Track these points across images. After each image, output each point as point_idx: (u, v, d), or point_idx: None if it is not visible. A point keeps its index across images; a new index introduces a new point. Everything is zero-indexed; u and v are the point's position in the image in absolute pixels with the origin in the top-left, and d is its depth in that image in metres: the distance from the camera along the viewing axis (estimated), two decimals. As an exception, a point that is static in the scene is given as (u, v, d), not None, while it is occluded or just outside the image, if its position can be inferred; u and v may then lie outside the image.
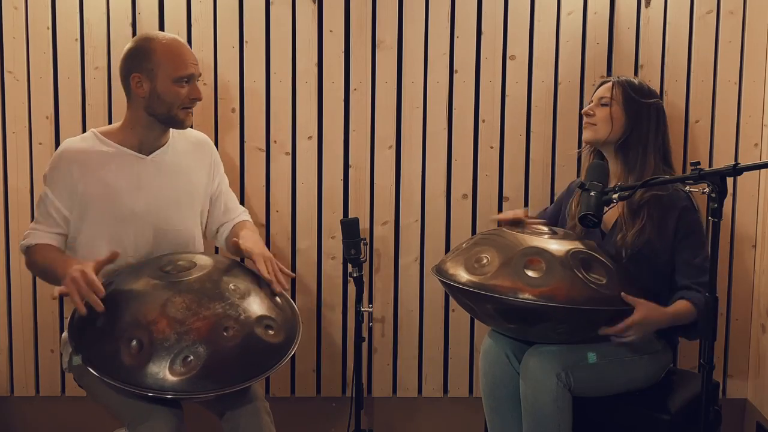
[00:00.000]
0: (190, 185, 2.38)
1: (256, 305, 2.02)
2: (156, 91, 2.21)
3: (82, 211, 2.23)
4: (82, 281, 1.92)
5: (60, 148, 2.26)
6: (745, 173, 1.88)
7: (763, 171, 2.81)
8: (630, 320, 2.12)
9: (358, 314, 2.61)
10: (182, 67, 2.22)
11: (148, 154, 2.30)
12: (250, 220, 2.57)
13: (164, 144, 2.33)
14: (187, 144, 2.42)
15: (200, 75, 2.32)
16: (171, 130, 2.36)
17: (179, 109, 2.25)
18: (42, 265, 2.17)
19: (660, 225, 2.27)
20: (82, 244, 2.26)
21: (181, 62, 2.22)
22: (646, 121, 2.35)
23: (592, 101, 2.43)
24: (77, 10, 2.72)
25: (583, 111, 2.45)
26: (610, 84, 2.40)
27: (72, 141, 2.27)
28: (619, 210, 2.35)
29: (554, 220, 2.58)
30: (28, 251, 2.23)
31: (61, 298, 2.77)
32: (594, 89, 2.47)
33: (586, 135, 2.42)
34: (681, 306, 2.22)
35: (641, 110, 2.35)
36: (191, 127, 2.72)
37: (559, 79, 2.80)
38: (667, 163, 2.37)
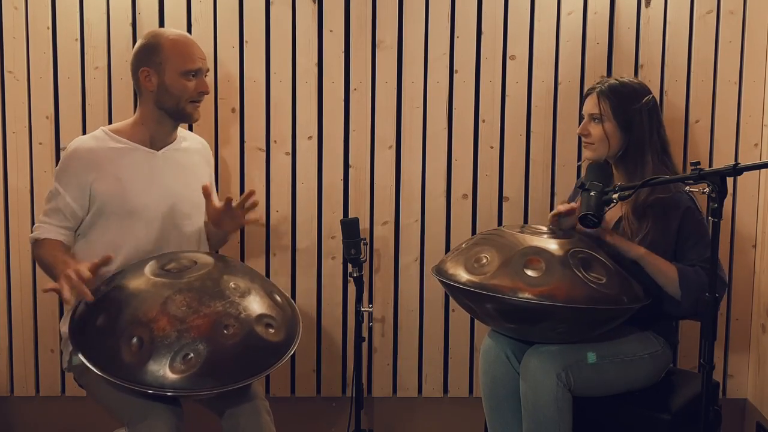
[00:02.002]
0: (198, 182, 2.40)
1: (256, 304, 2.02)
2: (164, 84, 2.27)
3: (96, 207, 2.27)
4: (74, 277, 1.95)
5: (71, 146, 2.29)
6: (745, 173, 1.89)
7: (763, 171, 2.81)
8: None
9: (358, 314, 2.61)
10: (189, 61, 2.28)
11: (159, 150, 2.34)
12: None
13: (174, 141, 2.38)
14: (195, 145, 2.48)
15: (208, 70, 2.36)
16: (179, 129, 2.41)
17: (187, 103, 2.30)
18: (46, 261, 2.21)
19: (663, 226, 2.27)
20: (95, 238, 2.29)
21: (188, 56, 2.28)
22: (639, 127, 2.31)
23: (584, 117, 2.41)
24: (77, 10, 2.72)
25: (578, 132, 2.42)
26: (596, 98, 2.35)
27: (82, 140, 2.31)
28: (621, 210, 2.35)
29: None
30: (36, 244, 2.27)
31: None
32: (583, 98, 2.45)
33: (587, 154, 2.40)
34: (662, 260, 2.23)
35: (633, 118, 2.32)
36: (190, 127, 2.74)
37: (559, 79, 2.81)
38: (667, 156, 2.37)
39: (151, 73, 2.27)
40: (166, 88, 2.27)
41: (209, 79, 2.74)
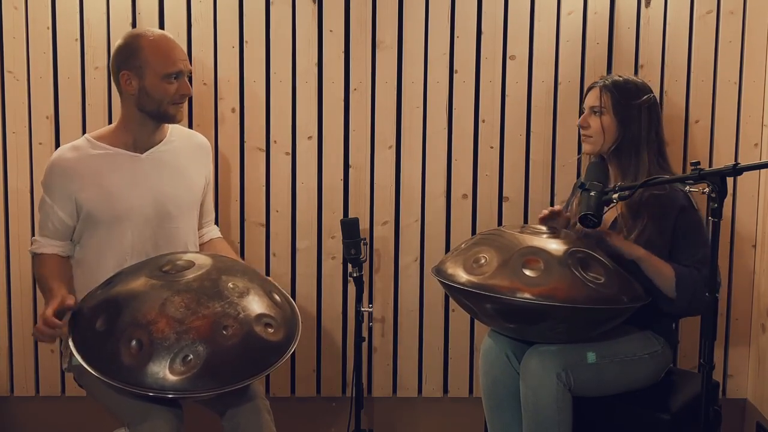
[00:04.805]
0: (187, 183, 2.39)
1: (255, 304, 2.02)
2: (145, 88, 2.23)
3: (83, 216, 2.26)
4: (45, 330, 1.97)
5: (51, 158, 2.29)
6: (745, 173, 1.89)
7: (763, 171, 2.81)
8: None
9: (358, 314, 2.61)
10: (170, 64, 2.23)
11: (143, 152, 2.31)
12: (221, 236, 2.62)
13: (160, 141, 2.35)
14: (188, 144, 2.44)
15: (190, 71, 2.33)
16: (169, 128, 2.38)
17: (169, 105, 2.26)
18: (39, 281, 2.27)
19: (660, 225, 2.27)
20: (87, 245, 2.30)
21: (168, 59, 2.23)
22: (636, 124, 2.33)
23: (584, 110, 2.42)
24: (77, 10, 2.72)
25: (578, 123, 2.44)
26: (598, 91, 2.37)
27: (63, 150, 2.30)
28: (618, 209, 2.35)
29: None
30: (34, 259, 2.31)
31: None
32: (585, 92, 2.46)
33: (586, 148, 2.42)
34: (660, 261, 2.23)
35: (631, 114, 2.33)
36: (190, 127, 2.74)
37: (559, 79, 2.80)
38: (662, 156, 2.37)
39: (131, 77, 2.23)
40: (147, 91, 2.23)
41: (209, 80, 2.75)
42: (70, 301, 2.03)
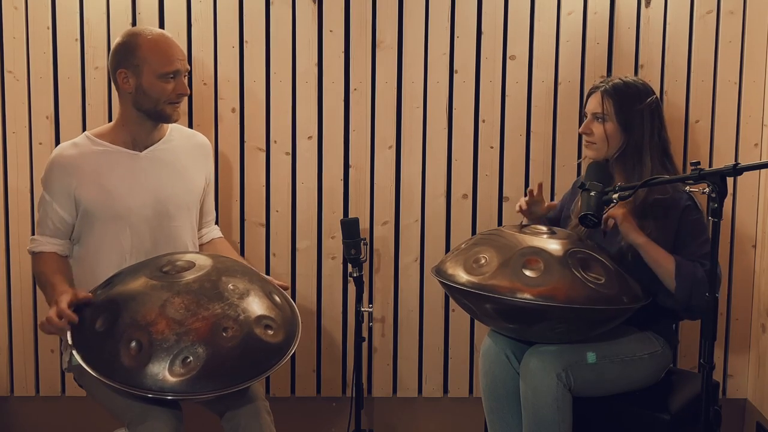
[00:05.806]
0: (186, 182, 2.38)
1: (255, 305, 2.01)
2: (142, 86, 2.23)
3: (82, 214, 2.26)
4: (57, 322, 1.96)
5: (52, 154, 2.29)
6: (745, 173, 1.89)
7: (763, 171, 2.81)
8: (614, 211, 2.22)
9: (358, 314, 2.61)
10: (167, 63, 2.23)
11: (141, 150, 2.31)
12: (222, 236, 2.61)
13: (159, 140, 2.35)
14: (188, 144, 2.44)
15: (188, 70, 2.32)
16: (169, 127, 2.38)
17: (165, 104, 2.26)
18: (40, 279, 2.26)
19: (664, 227, 2.27)
20: (85, 244, 2.30)
21: (166, 58, 2.23)
22: (639, 129, 2.31)
23: (586, 115, 2.40)
24: (77, 10, 2.72)
25: (580, 130, 2.42)
26: (600, 96, 2.35)
27: (63, 147, 2.30)
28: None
29: (556, 220, 2.58)
30: (33, 258, 2.30)
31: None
32: (586, 97, 2.44)
33: (589, 154, 2.39)
34: (661, 250, 2.22)
35: (634, 119, 2.31)
36: (190, 126, 2.74)
37: (559, 79, 2.80)
38: (667, 157, 2.36)
39: (129, 75, 2.23)
40: (144, 90, 2.22)
41: (209, 80, 2.75)
42: (86, 293, 2.02)
